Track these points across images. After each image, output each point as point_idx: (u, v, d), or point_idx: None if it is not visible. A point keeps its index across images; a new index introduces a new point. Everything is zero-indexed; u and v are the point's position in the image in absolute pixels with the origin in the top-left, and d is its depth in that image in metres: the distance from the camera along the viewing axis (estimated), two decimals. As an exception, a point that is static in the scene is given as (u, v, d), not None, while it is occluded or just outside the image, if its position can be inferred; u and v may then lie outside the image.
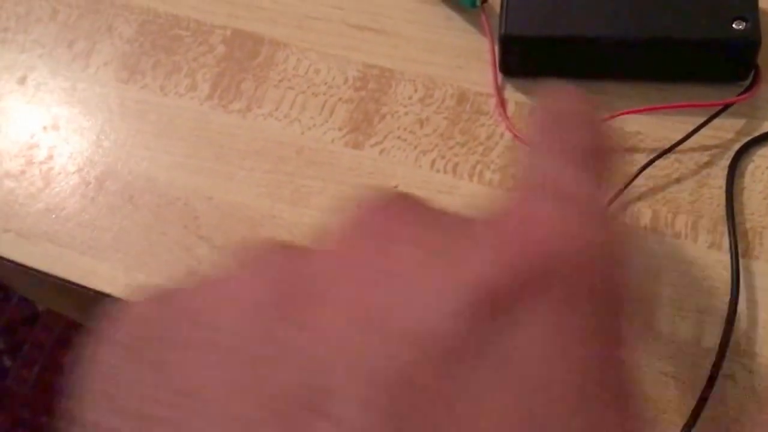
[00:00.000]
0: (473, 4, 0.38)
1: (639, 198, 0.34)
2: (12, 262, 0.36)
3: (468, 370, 0.15)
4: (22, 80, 0.40)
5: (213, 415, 0.15)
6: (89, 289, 0.35)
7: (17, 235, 0.36)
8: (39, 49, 0.41)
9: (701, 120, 0.34)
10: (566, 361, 0.15)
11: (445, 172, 0.35)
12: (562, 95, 0.22)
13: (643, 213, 0.34)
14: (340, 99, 0.37)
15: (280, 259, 0.18)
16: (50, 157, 0.38)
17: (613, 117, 0.34)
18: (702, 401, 0.29)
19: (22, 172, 0.38)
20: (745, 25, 0.34)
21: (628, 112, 0.35)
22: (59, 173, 0.37)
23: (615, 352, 0.16)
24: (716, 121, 0.34)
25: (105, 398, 0.17)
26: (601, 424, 0.15)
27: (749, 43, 0.34)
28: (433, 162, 0.36)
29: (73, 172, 0.37)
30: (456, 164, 0.36)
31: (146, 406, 0.16)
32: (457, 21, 0.39)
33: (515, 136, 0.36)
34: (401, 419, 0.14)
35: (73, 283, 0.35)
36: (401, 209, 0.18)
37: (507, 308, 0.15)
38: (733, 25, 0.34)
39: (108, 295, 0.34)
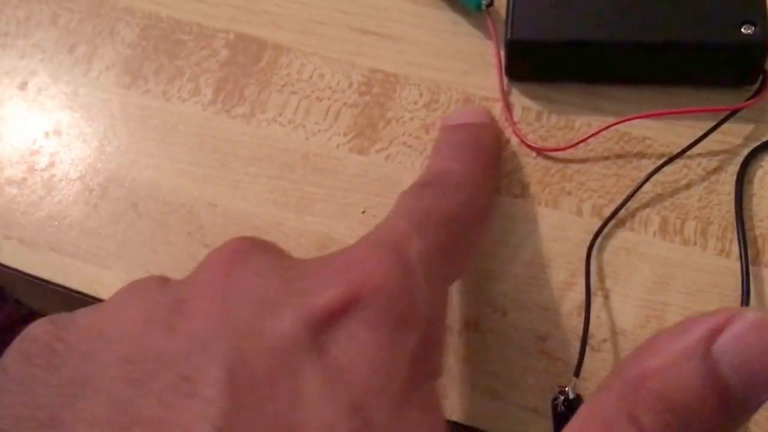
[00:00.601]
0: (478, 8, 0.38)
1: (647, 204, 0.35)
2: (14, 270, 0.37)
3: (302, 364, 0.21)
4: (23, 85, 0.41)
5: (101, 399, 0.21)
6: (92, 298, 0.36)
7: (19, 243, 0.37)
8: (40, 53, 0.41)
9: (709, 125, 0.35)
10: (376, 359, 0.21)
11: (452, 178, 0.36)
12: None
13: (652, 219, 0.34)
14: (344, 104, 0.38)
15: (157, 286, 0.25)
16: (52, 164, 0.39)
17: (620, 122, 0.35)
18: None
19: (24, 179, 0.39)
20: (754, 29, 0.34)
21: (635, 118, 0.35)
22: (61, 180, 0.38)
23: (413, 362, 0.22)
24: (724, 126, 0.35)
25: (9, 395, 0.22)
26: (405, 407, 0.21)
27: (758, 48, 0.34)
28: (439, 168, 0.37)
29: (76, 179, 0.38)
30: (462, 170, 0.36)
31: (51, 400, 0.22)
32: (462, 25, 0.39)
33: (521, 141, 0.37)
34: (252, 398, 0.20)
35: (76, 292, 0.36)
36: (253, 251, 0.25)
37: (331, 324, 0.21)
38: (742, 29, 0.34)
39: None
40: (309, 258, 0.25)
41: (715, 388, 0.19)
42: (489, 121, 0.36)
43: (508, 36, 0.36)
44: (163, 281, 0.26)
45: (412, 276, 0.23)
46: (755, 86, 0.36)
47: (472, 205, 0.30)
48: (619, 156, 0.36)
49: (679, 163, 0.35)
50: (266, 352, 0.21)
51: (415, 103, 0.38)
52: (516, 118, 0.37)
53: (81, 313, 0.25)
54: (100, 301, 0.35)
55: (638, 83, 0.37)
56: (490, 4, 0.38)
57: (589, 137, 0.36)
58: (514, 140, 0.37)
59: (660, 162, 0.35)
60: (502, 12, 0.37)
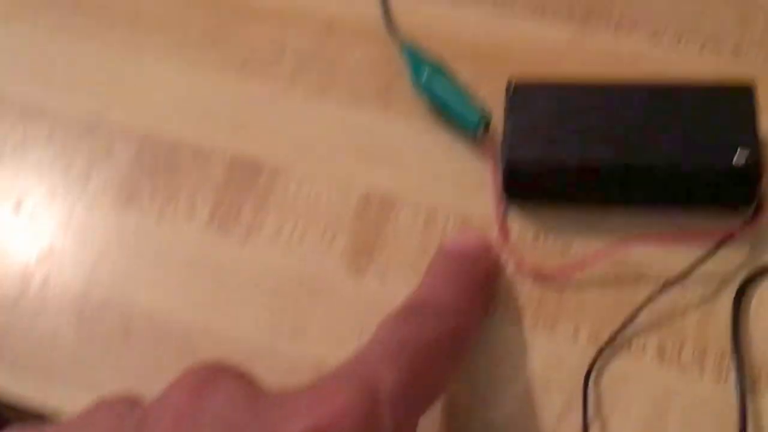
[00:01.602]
0: (475, 131, 0.41)
1: (644, 330, 0.37)
2: (6, 394, 0.39)
3: None
4: (17, 206, 0.43)
5: None
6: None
7: (11, 367, 0.39)
8: (35, 172, 0.44)
9: (705, 249, 0.37)
10: None
11: (448, 302, 0.39)
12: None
13: (649, 345, 0.37)
14: (341, 226, 0.41)
15: (124, 406, 0.28)
16: (44, 286, 0.41)
17: (615, 249, 0.38)
18: None
19: (15, 302, 0.41)
20: (747, 156, 0.37)
21: (631, 245, 0.38)
22: (53, 303, 0.41)
23: None
24: (720, 252, 0.38)
25: None
26: None
27: (751, 173, 0.37)
28: (436, 292, 0.39)
29: (68, 303, 0.40)
30: (459, 294, 0.39)
31: None
32: (459, 146, 0.42)
33: (518, 264, 0.39)
34: None
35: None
36: (223, 376, 0.28)
37: None
38: (735, 156, 0.37)
39: None
40: (278, 390, 0.28)
41: None
42: (487, 250, 0.38)
43: (505, 159, 0.39)
44: (131, 401, 0.29)
45: (377, 412, 0.26)
46: (750, 208, 0.38)
47: (453, 335, 0.33)
48: (615, 281, 0.38)
49: (676, 288, 0.37)
50: None
51: (412, 225, 0.41)
52: (513, 240, 0.40)
53: (52, 426, 0.28)
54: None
55: (634, 205, 0.39)
56: (487, 128, 0.41)
57: (585, 263, 0.38)
58: (511, 263, 0.39)
59: (657, 287, 0.37)
60: (499, 134, 0.40)
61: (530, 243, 0.40)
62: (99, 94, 0.46)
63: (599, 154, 0.38)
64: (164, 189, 0.43)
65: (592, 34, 0.45)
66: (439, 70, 0.43)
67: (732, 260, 0.38)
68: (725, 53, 0.44)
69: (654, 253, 0.38)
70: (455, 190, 0.41)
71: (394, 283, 0.39)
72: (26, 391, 0.39)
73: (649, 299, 0.37)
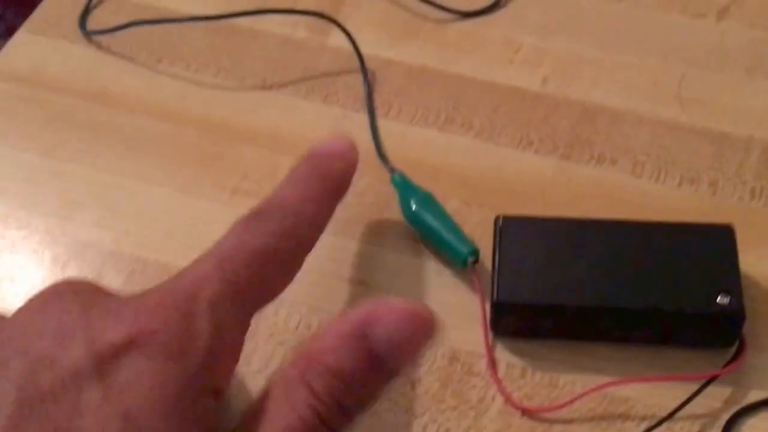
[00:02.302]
0: (464, 264, 0.42)
1: (632, 470, 0.37)
2: None
3: (85, 384, 0.27)
4: None
5: None
6: None
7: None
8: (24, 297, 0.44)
9: (691, 387, 0.38)
10: (149, 379, 0.27)
11: (438, 437, 0.39)
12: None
13: (637, 486, 0.37)
14: (330, 357, 0.41)
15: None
16: None
17: (603, 387, 0.38)
18: None
19: None
20: (729, 300, 0.38)
21: (617, 383, 0.38)
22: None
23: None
24: (705, 390, 0.38)
25: None
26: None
27: (733, 317, 0.38)
28: (425, 426, 0.39)
29: None
30: (448, 429, 0.39)
31: None
32: (448, 278, 0.43)
33: (506, 399, 0.39)
34: (38, 409, 0.27)
35: None
36: (68, 291, 0.31)
37: (114, 356, 0.28)
38: (718, 299, 0.38)
39: None
40: (121, 296, 0.31)
41: (370, 360, 0.28)
42: (345, 149, 0.40)
43: (494, 298, 0.39)
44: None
45: (193, 320, 0.30)
46: (733, 348, 0.39)
47: (294, 235, 0.35)
48: (602, 417, 0.39)
49: (663, 429, 0.38)
50: (54, 375, 0.27)
51: (401, 357, 0.41)
52: (501, 375, 0.40)
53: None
54: None
55: (621, 343, 0.40)
56: (476, 261, 0.42)
57: (573, 400, 0.38)
58: (499, 398, 0.39)
59: (644, 426, 0.38)
60: (488, 266, 0.41)
61: (518, 378, 0.40)
62: (90, 218, 0.47)
63: (584, 296, 0.39)
64: (154, 315, 0.43)
65: (576, 166, 0.47)
66: (427, 200, 0.44)
67: (717, 399, 0.38)
68: (703, 187, 0.45)
69: (641, 391, 0.39)
70: (444, 322, 0.41)
71: (385, 420, 0.39)
72: None
73: (637, 439, 0.37)
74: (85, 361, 0.28)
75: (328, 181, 0.38)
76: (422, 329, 0.29)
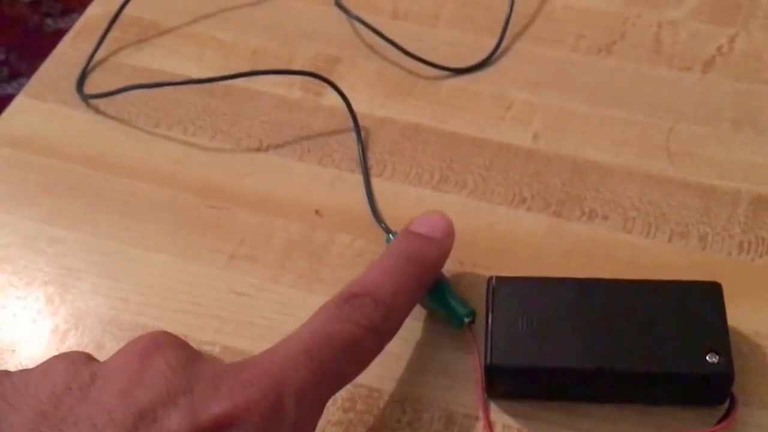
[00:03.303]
0: (461, 325, 0.42)
1: None
2: None
3: None
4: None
5: None
6: None
7: None
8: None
9: (684, 447, 0.39)
10: None
11: (436, 502, 0.39)
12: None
13: None
14: (329, 422, 0.41)
15: (81, 361, 0.33)
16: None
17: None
18: None
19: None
20: (719, 359, 0.38)
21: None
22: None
23: None
24: (698, 451, 0.39)
25: None
26: None
27: (723, 377, 0.38)
28: (424, 491, 0.39)
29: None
30: (446, 493, 0.39)
31: None
32: (444, 339, 0.43)
33: (503, 461, 0.40)
34: None
35: None
36: (167, 344, 0.34)
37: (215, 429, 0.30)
38: (707, 358, 0.38)
39: None
40: (216, 361, 0.34)
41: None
42: (442, 236, 0.42)
43: (488, 361, 0.40)
44: (87, 357, 0.34)
45: (281, 406, 0.32)
46: (725, 405, 0.40)
47: (382, 330, 0.37)
48: (598, 479, 0.39)
49: (657, 487, 0.38)
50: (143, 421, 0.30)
51: (399, 420, 0.41)
52: (497, 436, 0.40)
53: (16, 371, 0.34)
54: None
55: (615, 403, 0.40)
56: (472, 322, 0.42)
57: (569, 463, 0.39)
58: (496, 460, 0.40)
59: (638, 488, 0.38)
60: (483, 327, 0.41)
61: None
62: (88, 284, 0.47)
63: (577, 358, 0.39)
64: (155, 382, 0.43)
65: (567, 223, 0.47)
66: (421, 262, 0.44)
67: (709, 458, 0.39)
68: (692, 242, 0.46)
69: (636, 452, 0.39)
70: (441, 384, 0.42)
71: (383, 481, 0.40)
72: None
73: (632, 500, 0.38)
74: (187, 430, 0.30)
75: (423, 271, 0.40)
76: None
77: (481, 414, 0.41)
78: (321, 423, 0.41)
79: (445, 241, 0.42)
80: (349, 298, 0.37)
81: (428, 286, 0.41)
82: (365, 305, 0.37)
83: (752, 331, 0.42)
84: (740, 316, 0.42)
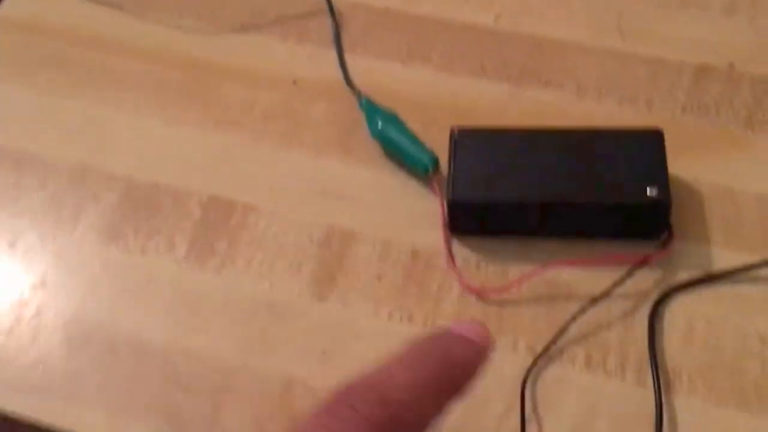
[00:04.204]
0: (426, 172, 0.46)
1: (573, 342, 0.41)
2: (2, 412, 0.42)
3: None
4: (12, 243, 0.47)
5: None
6: (75, 436, 0.40)
7: (7, 386, 0.42)
8: (29, 214, 0.48)
9: (625, 270, 0.42)
10: None
11: (401, 321, 0.43)
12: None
13: (578, 354, 0.41)
14: (306, 257, 0.45)
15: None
16: (38, 314, 0.44)
17: (543, 270, 0.42)
18: None
19: (12, 329, 0.44)
20: (657, 191, 0.42)
21: (557, 264, 0.42)
22: (46, 328, 0.44)
23: None
24: (637, 273, 0.42)
25: None
26: None
27: (661, 206, 0.42)
28: (390, 313, 0.43)
29: (60, 328, 0.44)
30: (411, 314, 0.43)
31: None
32: (412, 186, 0.47)
33: (463, 287, 0.43)
34: None
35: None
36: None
37: None
38: (647, 191, 0.42)
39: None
40: None
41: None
42: (478, 338, 0.31)
43: (449, 197, 0.43)
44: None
45: None
46: (663, 236, 0.43)
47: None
48: (548, 299, 0.43)
49: (600, 306, 0.42)
50: None
51: (369, 256, 0.45)
52: (458, 267, 0.44)
53: None
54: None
55: (564, 236, 0.44)
56: (436, 169, 0.46)
57: (520, 281, 0.42)
58: (457, 287, 0.43)
59: (583, 305, 0.42)
60: (446, 175, 0.45)
61: (473, 269, 0.44)
62: (87, 146, 0.50)
63: (529, 193, 0.43)
64: (146, 227, 0.47)
65: (526, 91, 0.51)
66: (392, 119, 0.48)
67: (648, 281, 0.43)
68: (640, 105, 0.49)
69: (581, 275, 0.43)
70: (408, 225, 0.46)
71: (354, 307, 0.43)
72: (21, 406, 0.42)
73: (577, 315, 0.41)
74: None
75: (448, 366, 0.29)
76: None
77: (443, 248, 0.44)
78: (299, 259, 0.44)
79: (482, 342, 0.30)
80: (362, 401, 0.26)
81: (457, 391, 0.29)
82: (380, 413, 0.26)
83: (692, 178, 0.46)
84: (682, 166, 0.46)
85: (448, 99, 0.51)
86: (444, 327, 0.30)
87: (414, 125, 0.48)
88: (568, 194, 0.43)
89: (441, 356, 0.29)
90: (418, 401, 0.27)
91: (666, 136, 0.44)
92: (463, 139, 0.45)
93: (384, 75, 0.52)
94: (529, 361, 0.41)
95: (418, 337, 0.29)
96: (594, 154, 0.44)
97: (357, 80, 0.51)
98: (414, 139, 0.47)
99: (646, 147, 0.44)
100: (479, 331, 0.30)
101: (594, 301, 0.42)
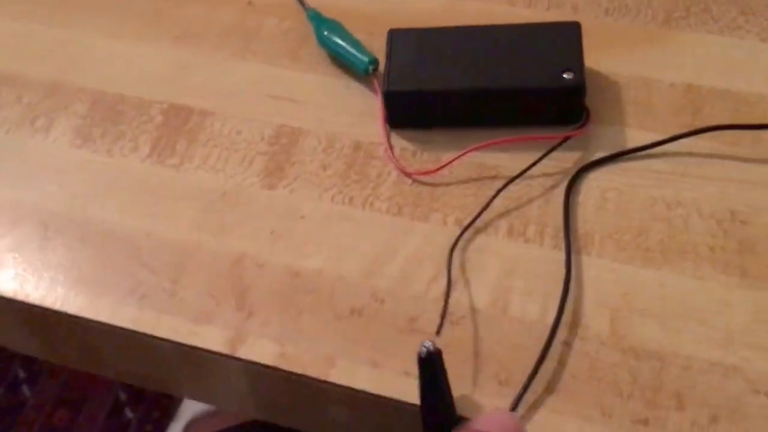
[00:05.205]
0: (366, 72, 0.49)
1: (498, 215, 0.44)
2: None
3: None
4: (-8, 151, 0.51)
5: None
6: (50, 310, 0.44)
7: (-13, 273, 0.46)
8: (6, 125, 0.51)
9: (545, 151, 0.45)
10: None
11: (343, 203, 0.46)
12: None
13: (501, 226, 0.44)
14: (257, 152, 0.48)
15: None
16: (15, 209, 0.48)
17: (472, 150, 0.46)
18: (540, 360, 0.39)
19: (-9, 224, 0.48)
20: (573, 76, 0.45)
21: (485, 145, 0.46)
22: (23, 221, 0.47)
23: None
24: (557, 153, 0.46)
25: None
26: None
27: (576, 90, 0.45)
28: (333, 197, 0.46)
29: (36, 221, 0.47)
30: (351, 197, 0.46)
31: None
32: (355, 87, 0.50)
33: (400, 170, 0.47)
34: None
35: (35, 306, 0.45)
36: None
37: None
38: (564, 75, 0.45)
39: (64, 313, 0.44)
40: None
41: None
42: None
43: (384, 89, 0.47)
44: None
45: None
46: (580, 120, 0.47)
47: None
48: (475, 180, 0.46)
49: (522, 182, 0.45)
50: None
51: (315, 149, 0.48)
52: (396, 156, 0.47)
53: None
54: (56, 312, 0.44)
55: (492, 126, 0.47)
56: (375, 69, 0.49)
57: (450, 162, 0.46)
58: (394, 172, 0.47)
59: (506, 181, 0.45)
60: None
61: (410, 158, 0.47)
62: (58, 65, 0.54)
63: (457, 82, 0.46)
64: (113, 132, 0.50)
65: (462, 1, 0.54)
66: (336, 28, 0.51)
67: (566, 160, 0.46)
68: (567, 10, 0.53)
69: (505, 157, 0.46)
70: (350, 121, 0.49)
71: (301, 193, 0.47)
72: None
73: (500, 191, 0.45)
74: None
75: None
76: None
77: (383, 139, 0.48)
78: (251, 154, 0.48)
79: None
80: None
81: None
82: None
83: (611, 71, 0.49)
84: (603, 61, 0.49)
85: (391, 9, 0.54)
86: (473, 423, 0.35)
87: (359, 34, 0.52)
88: (492, 81, 0.46)
89: None
90: None
91: (589, 36, 0.48)
92: (398, 39, 0.49)
93: (332, -8, 0.55)
94: (457, 233, 0.44)
95: None
96: (517, 47, 0.47)
97: (308, -2, 0.55)
98: (356, 44, 0.50)
99: (564, 38, 0.47)
100: (513, 426, 0.35)
101: (515, 178, 0.45)
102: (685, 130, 0.46)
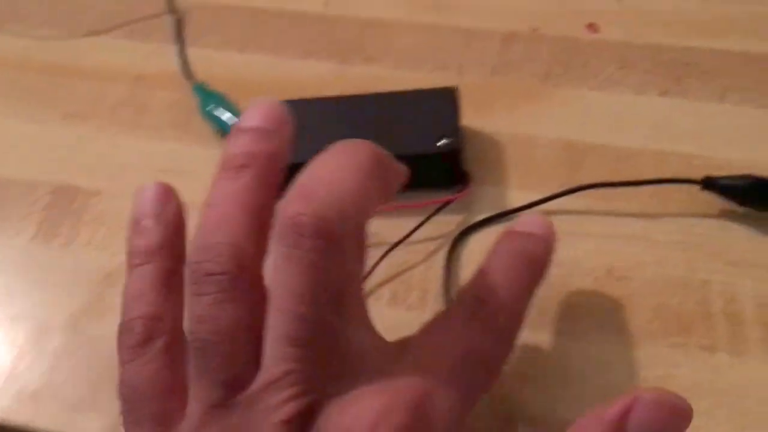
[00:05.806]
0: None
1: (380, 283, 0.44)
2: None
3: None
4: None
5: None
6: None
7: None
8: None
9: (425, 217, 0.45)
10: None
11: (227, 278, 0.45)
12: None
13: (384, 294, 0.44)
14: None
15: None
16: None
17: (353, 220, 0.45)
18: None
19: None
20: (450, 141, 0.45)
21: (364, 215, 0.45)
22: None
23: None
24: (439, 217, 0.45)
25: None
26: None
27: (452, 155, 0.45)
28: (218, 272, 0.46)
29: None
30: (236, 272, 0.46)
31: None
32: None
33: (285, 245, 0.46)
34: None
35: None
36: None
37: None
38: (440, 143, 0.45)
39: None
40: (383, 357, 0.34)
41: None
42: (550, 233, 0.38)
43: (264, 162, 0.46)
44: None
45: (428, 427, 0.28)
46: (459, 185, 0.47)
47: (508, 340, 0.35)
48: (359, 248, 0.46)
49: (405, 248, 0.45)
50: None
51: (200, 223, 0.48)
52: (282, 228, 0.47)
53: None
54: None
55: (374, 191, 0.47)
56: (256, 140, 0.49)
57: (332, 234, 0.45)
58: (279, 244, 0.46)
59: (388, 248, 0.45)
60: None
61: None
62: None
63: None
64: (-1, 216, 0.50)
65: (350, 67, 0.54)
66: (221, 100, 0.51)
67: (448, 223, 0.46)
68: (452, 72, 0.53)
69: (386, 224, 0.46)
70: (236, 194, 0.49)
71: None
72: None
73: (381, 259, 0.44)
74: None
75: (535, 268, 0.37)
76: (677, 418, 0.27)
77: (267, 211, 0.47)
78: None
79: (548, 237, 0.38)
80: (476, 310, 0.34)
81: (541, 280, 0.37)
82: (493, 316, 0.34)
83: (493, 131, 0.49)
84: (487, 121, 0.49)
85: (280, 79, 0.54)
86: (510, 228, 0.38)
87: (245, 104, 0.51)
88: (371, 150, 0.46)
89: (528, 258, 0.36)
90: (515, 299, 0.35)
91: (473, 96, 0.48)
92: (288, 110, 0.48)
93: (222, 64, 0.55)
94: (339, 302, 0.43)
95: (495, 242, 0.37)
96: (396, 114, 0.47)
97: (198, 71, 0.55)
98: (239, 115, 0.50)
99: (442, 103, 0.47)
100: (542, 224, 0.38)
101: (396, 245, 0.45)
102: (565, 187, 0.46)
